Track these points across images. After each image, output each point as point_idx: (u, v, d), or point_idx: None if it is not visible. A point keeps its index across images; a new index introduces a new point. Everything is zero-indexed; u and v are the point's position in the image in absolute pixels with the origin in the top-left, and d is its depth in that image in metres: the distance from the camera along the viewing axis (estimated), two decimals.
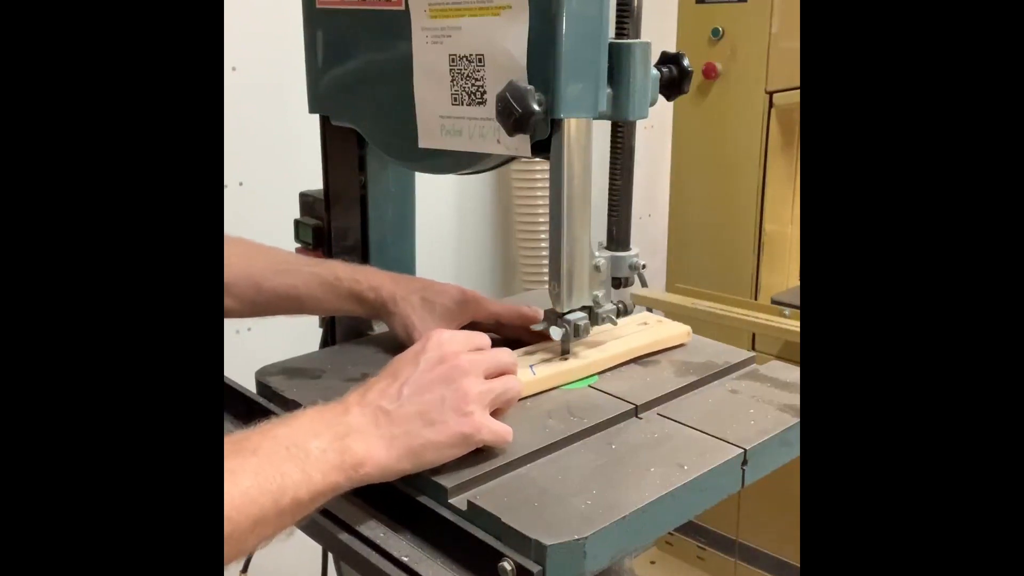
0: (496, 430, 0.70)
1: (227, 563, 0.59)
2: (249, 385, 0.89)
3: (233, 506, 0.58)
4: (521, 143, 0.78)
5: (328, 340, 1.11)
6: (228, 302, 0.92)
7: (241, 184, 1.75)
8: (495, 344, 0.76)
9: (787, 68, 1.94)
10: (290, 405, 0.82)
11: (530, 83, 0.75)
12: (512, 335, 0.93)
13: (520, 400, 0.80)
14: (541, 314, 0.89)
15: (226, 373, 0.84)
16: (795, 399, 0.82)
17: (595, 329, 0.88)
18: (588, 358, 0.88)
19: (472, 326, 0.95)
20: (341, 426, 0.66)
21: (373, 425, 0.67)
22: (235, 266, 0.92)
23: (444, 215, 2.25)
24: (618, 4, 0.80)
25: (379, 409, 0.68)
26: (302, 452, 0.63)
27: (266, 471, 0.61)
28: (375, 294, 0.93)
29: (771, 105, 1.95)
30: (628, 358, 0.91)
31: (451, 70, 0.82)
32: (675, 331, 0.96)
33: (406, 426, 0.67)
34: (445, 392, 0.68)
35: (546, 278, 0.84)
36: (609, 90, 0.78)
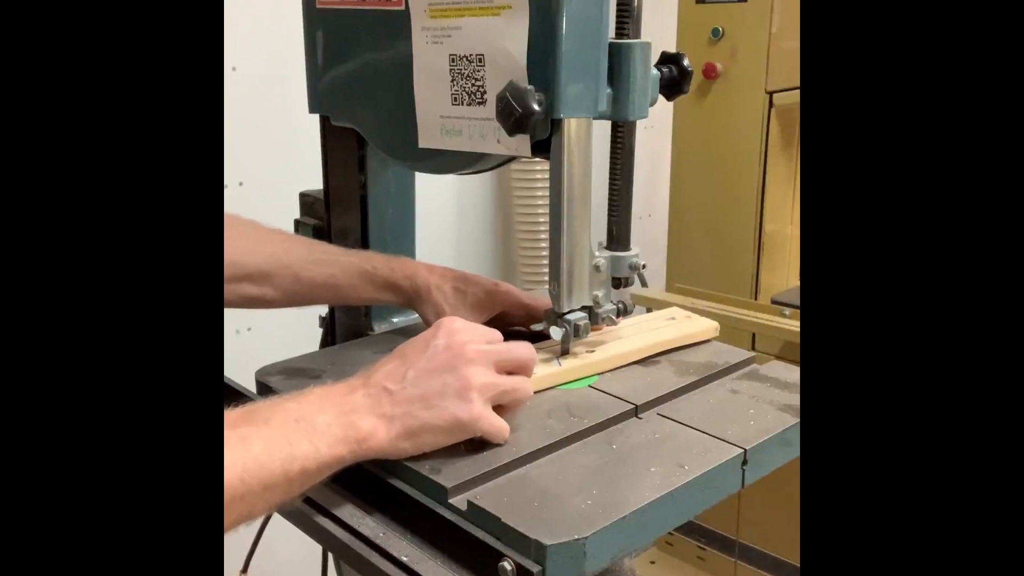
0: (495, 423, 0.71)
1: (238, 526, 0.62)
2: (249, 385, 0.89)
3: (246, 469, 0.60)
4: (521, 143, 0.78)
5: (328, 340, 1.11)
6: (267, 292, 0.94)
7: (241, 184, 1.75)
8: (524, 337, 0.76)
9: (787, 68, 1.94)
10: None
11: (530, 83, 0.75)
12: None
13: None
14: None
15: (226, 373, 0.84)
16: (795, 399, 0.82)
17: (624, 322, 0.90)
18: (617, 350, 0.89)
19: (503, 317, 0.96)
20: (346, 404, 0.68)
21: (376, 404, 0.69)
22: (273, 256, 0.94)
23: (444, 215, 2.25)
24: (618, 4, 0.80)
25: (383, 389, 0.69)
26: (309, 425, 0.65)
27: (276, 439, 0.63)
28: (409, 283, 0.94)
29: (771, 105, 1.95)
30: (656, 351, 0.92)
31: (451, 70, 0.82)
32: (703, 326, 0.97)
33: (406, 407, 0.69)
34: (448, 378, 0.70)
35: (546, 278, 0.84)
36: (609, 90, 0.78)
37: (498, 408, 0.73)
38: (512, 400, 0.74)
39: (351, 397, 0.69)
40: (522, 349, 0.75)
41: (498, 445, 0.72)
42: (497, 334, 0.76)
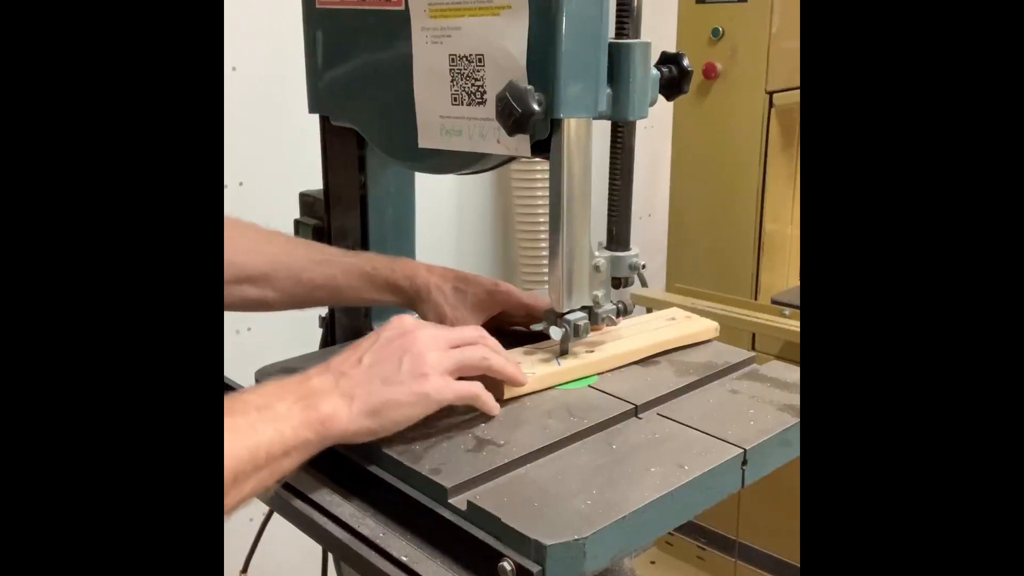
0: (459, 390, 0.73)
1: None
2: (249, 385, 0.89)
3: None
4: (521, 143, 0.78)
5: (328, 340, 1.11)
6: (268, 293, 0.95)
7: (241, 184, 1.75)
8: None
9: (787, 68, 1.94)
10: None
11: (530, 83, 0.75)
12: None
13: (520, 399, 0.81)
14: None
15: (226, 373, 0.84)
16: (795, 399, 0.82)
17: (624, 323, 0.90)
18: (616, 350, 0.89)
19: (503, 316, 0.97)
20: (304, 389, 0.70)
21: (333, 385, 0.70)
22: (274, 257, 0.95)
23: (444, 215, 2.25)
24: (618, 4, 0.79)
25: (339, 373, 0.71)
26: (271, 412, 0.67)
27: (241, 429, 0.65)
28: (410, 283, 0.95)
29: (771, 105, 1.95)
30: (656, 351, 0.92)
31: (451, 70, 0.82)
32: (703, 327, 0.97)
33: (365, 386, 0.70)
34: (403, 357, 0.72)
35: (546, 278, 0.84)
36: (609, 90, 0.78)
37: (489, 384, 0.76)
38: (474, 366, 0.75)
39: (308, 383, 0.71)
40: (471, 330, 0.79)
41: (498, 445, 0.73)
42: (449, 328, 0.78)
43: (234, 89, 1.64)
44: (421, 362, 0.71)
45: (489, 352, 0.77)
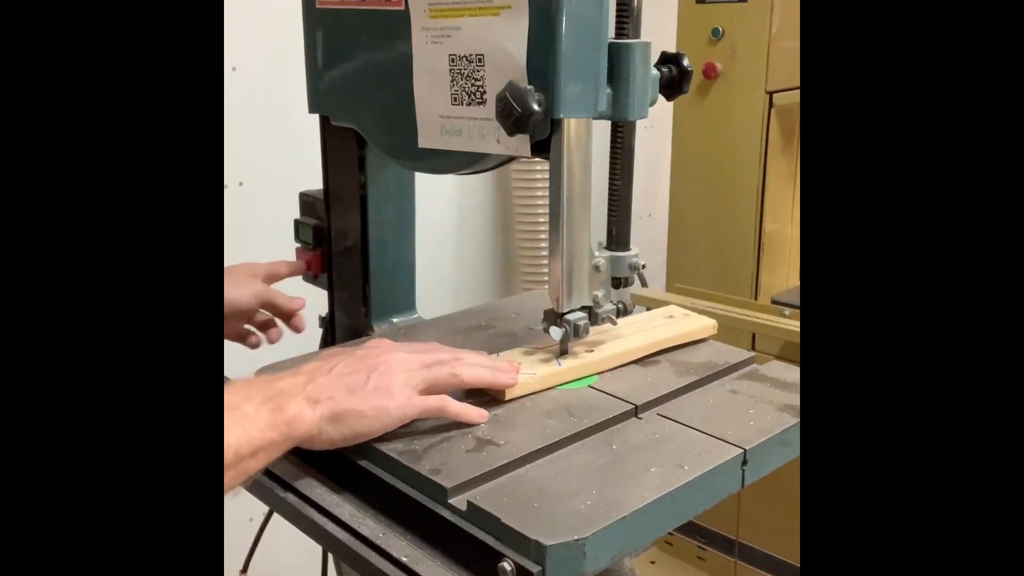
0: (423, 405, 0.75)
1: None
2: None
3: None
4: (521, 143, 0.78)
5: (328, 340, 1.11)
6: None
7: (241, 184, 1.75)
8: None
9: (787, 68, 1.94)
10: None
11: (530, 83, 0.75)
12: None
13: (520, 399, 0.81)
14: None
15: (226, 373, 0.84)
16: (795, 399, 0.82)
17: (622, 322, 0.90)
18: (616, 349, 0.89)
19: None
20: (271, 390, 0.71)
21: (300, 388, 0.72)
22: None
23: (444, 215, 2.25)
24: (618, 4, 0.79)
25: (308, 378, 0.73)
26: (239, 413, 0.68)
27: None
28: None
29: (771, 105, 1.95)
30: (655, 350, 0.92)
31: (451, 70, 0.82)
32: (701, 324, 0.97)
33: (330, 392, 0.72)
34: (371, 374, 0.74)
35: (546, 278, 0.84)
36: (609, 90, 0.78)
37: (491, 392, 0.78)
38: (444, 383, 0.77)
39: (276, 384, 0.72)
40: (445, 351, 0.80)
41: (498, 445, 0.73)
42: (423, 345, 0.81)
43: (234, 89, 1.64)
44: (388, 380, 0.73)
45: (461, 367, 0.78)
